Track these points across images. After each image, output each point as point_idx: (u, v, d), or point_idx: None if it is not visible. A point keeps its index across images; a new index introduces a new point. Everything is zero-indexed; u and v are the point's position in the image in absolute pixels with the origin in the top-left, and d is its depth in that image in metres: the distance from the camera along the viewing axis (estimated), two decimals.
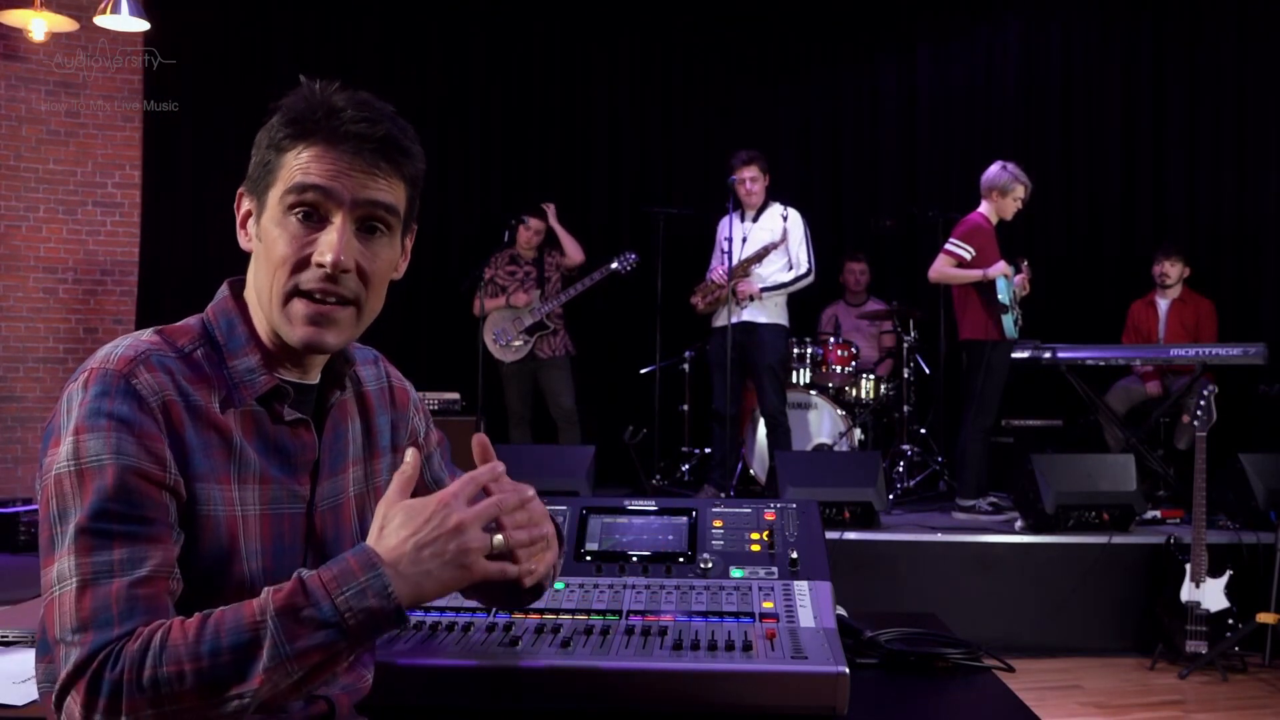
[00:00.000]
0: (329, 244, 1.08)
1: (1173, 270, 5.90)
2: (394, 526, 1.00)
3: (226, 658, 0.94)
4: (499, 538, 1.03)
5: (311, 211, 1.09)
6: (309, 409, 1.18)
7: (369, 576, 0.96)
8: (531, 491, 1.09)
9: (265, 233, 1.11)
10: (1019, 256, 5.13)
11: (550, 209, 6.04)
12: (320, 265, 1.08)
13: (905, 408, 5.96)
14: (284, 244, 1.09)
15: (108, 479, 0.99)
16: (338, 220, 1.09)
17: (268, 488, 1.11)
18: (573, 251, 5.98)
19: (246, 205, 1.15)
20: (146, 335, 1.10)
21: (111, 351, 1.06)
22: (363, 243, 1.11)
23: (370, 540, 1.01)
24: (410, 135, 1.14)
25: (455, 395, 6.20)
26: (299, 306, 1.10)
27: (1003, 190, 5.02)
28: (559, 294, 5.93)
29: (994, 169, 5.07)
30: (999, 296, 4.88)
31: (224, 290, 1.17)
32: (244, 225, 1.16)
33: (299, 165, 1.08)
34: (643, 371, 6.36)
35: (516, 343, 5.90)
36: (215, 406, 1.08)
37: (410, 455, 1.06)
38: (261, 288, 1.12)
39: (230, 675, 0.94)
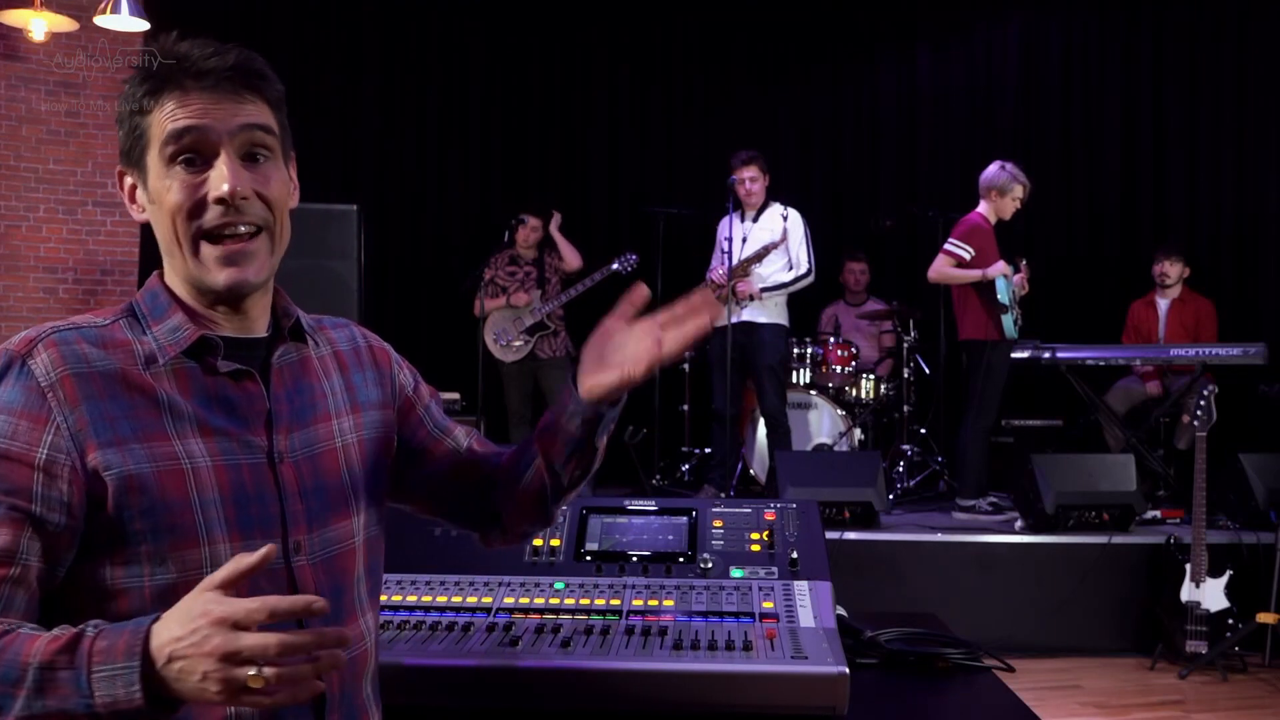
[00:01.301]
0: (220, 176, 1.09)
1: (1172, 270, 5.90)
2: (176, 618, 0.91)
3: None
4: (256, 671, 0.88)
5: (194, 156, 1.10)
6: (257, 362, 1.18)
7: (125, 665, 0.90)
8: (337, 635, 0.92)
9: (155, 192, 1.12)
10: (1018, 256, 5.13)
11: (556, 217, 6.03)
12: (220, 201, 1.09)
13: (905, 408, 5.96)
14: (175, 192, 1.10)
15: None
16: (222, 155, 1.10)
17: (211, 439, 1.11)
18: (570, 258, 5.98)
19: (129, 180, 1.17)
20: (49, 323, 1.12)
21: (20, 334, 1.09)
22: (251, 171, 1.12)
23: (164, 617, 0.93)
24: (261, 61, 1.16)
25: (455, 395, 6.20)
26: (209, 251, 1.11)
27: (1001, 190, 5.02)
28: (559, 294, 5.93)
29: (993, 169, 5.07)
30: (999, 296, 4.88)
31: (152, 275, 1.19)
32: (132, 199, 1.17)
33: (166, 116, 1.10)
34: None
35: (517, 343, 5.90)
36: (138, 367, 1.10)
37: (265, 550, 0.93)
38: (169, 245, 1.13)
39: None
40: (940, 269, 5.02)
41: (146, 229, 1.20)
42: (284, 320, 1.23)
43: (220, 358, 1.14)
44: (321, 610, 0.92)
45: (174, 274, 1.16)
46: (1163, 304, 5.97)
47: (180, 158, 1.10)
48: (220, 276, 1.11)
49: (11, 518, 1.01)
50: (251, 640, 0.88)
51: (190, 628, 0.89)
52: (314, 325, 1.28)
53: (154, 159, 1.11)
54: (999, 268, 4.90)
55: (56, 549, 1.03)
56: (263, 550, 0.93)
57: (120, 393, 1.08)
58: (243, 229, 1.11)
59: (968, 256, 4.93)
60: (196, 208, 1.10)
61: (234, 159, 1.11)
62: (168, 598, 1.03)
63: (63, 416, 1.04)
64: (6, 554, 1.01)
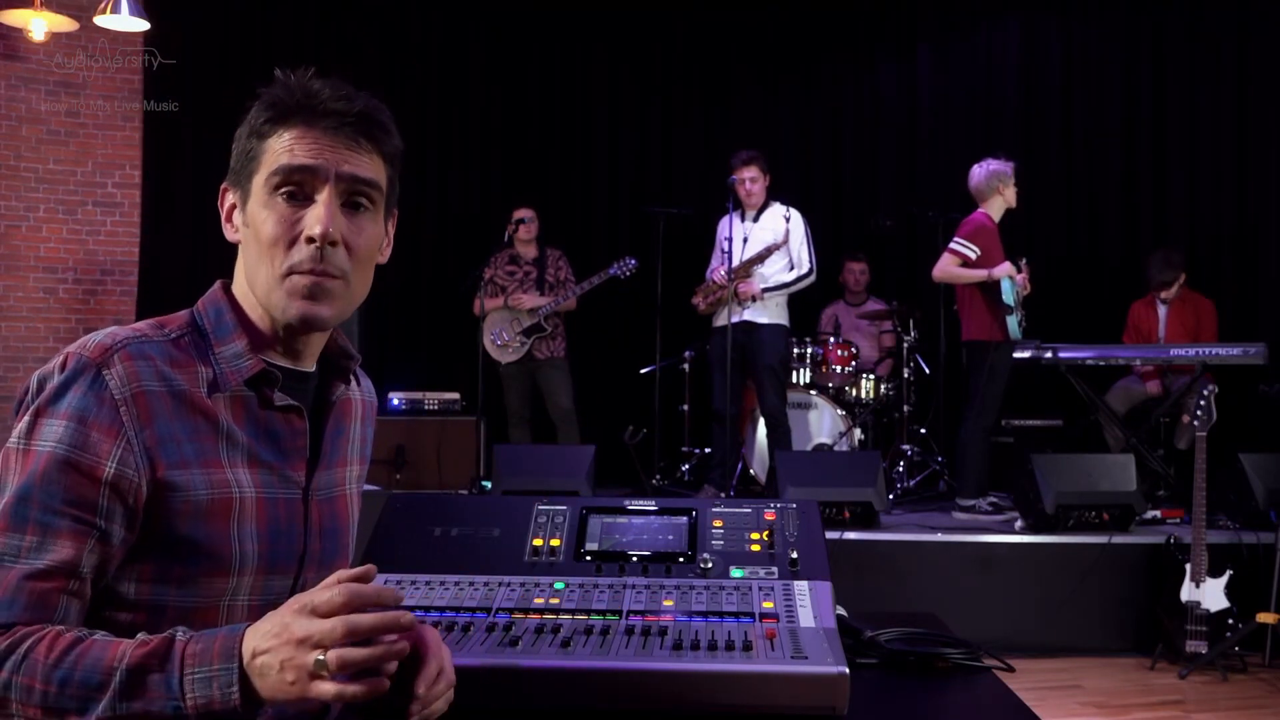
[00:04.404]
0: (316, 217, 1.10)
1: (1174, 287, 5.88)
2: (270, 619, 0.94)
3: (73, 691, 0.94)
4: (325, 656, 0.90)
5: (297, 190, 1.11)
6: (305, 398, 1.19)
7: (222, 667, 0.92)
8: (407, 618, 0.96)
9: (253, 217, 1.13)
10: (1019, 256, 5.13)
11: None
12: (310, 240, 1.10)
13: (905, 408, 5.96)
14: (272, 224, 1.11)
15: (41, 464, 1.01)
16: (323, 195, 1.10)
17: (257, 471, 1.12)
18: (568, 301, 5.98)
19: (231, 199, 1.17)
20: (136, 324, 1.12)
21: (91, 339, 1.08)
22: (348, 218, 1.13)
23: (254, 625, 0.95)
24: (387, 115, 1.16)
25: (455, 395, 6.21)
26: (295, 281, 1.11)
27: (1003, 183, 5.04)
28: (558, 299, 5.91)
29: (981, 172, 5.07)
30: (1004, 298, 4.87)
31: (215, 285, 1.19)
32: (229, 218, 1.18)
33: (282, 147, 1.11)
34: (643, 371, 6.36)
35: (514, 344, 5.90)
36: (202, 391, 1.10)
37: (366, 568, 0.98)
38: (254, 272, 1.13)
39: (71, 710, 0.94)
40: (945, 268, 5.01)
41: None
42: (344, 360, 1.24)
43: (277, 390, 1.15)
44: (394, 600, 0.94)
45: (247, 294, 1.16)
46: (1163, 305, 5.96)
47: (283, 190, 1.10)
48: (295, 308, 1.11)
49: (76, 530, 1.01)
50: (321, 623, 0.91)
51: (275, 620, 0.93)
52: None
53: (259, 184, 1.12)
54: (1004, 268, 4.89)
55: (110, 562, 1.04)
56: (364, 568, 0.97)
57: (186, 415, 1.08)
58: (322, 274, 1.11)
59: (973, 256, 4.93)
60: (290, 242, 1.10)
61: (334, 202, 1.11)
62: (186, 620, 1.05)
63: (134, 431, 1.04)
64: (69, 567, 1.00)
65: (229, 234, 1.18)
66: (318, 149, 1.10)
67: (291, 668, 0.90)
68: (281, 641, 0.91)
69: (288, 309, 1.11)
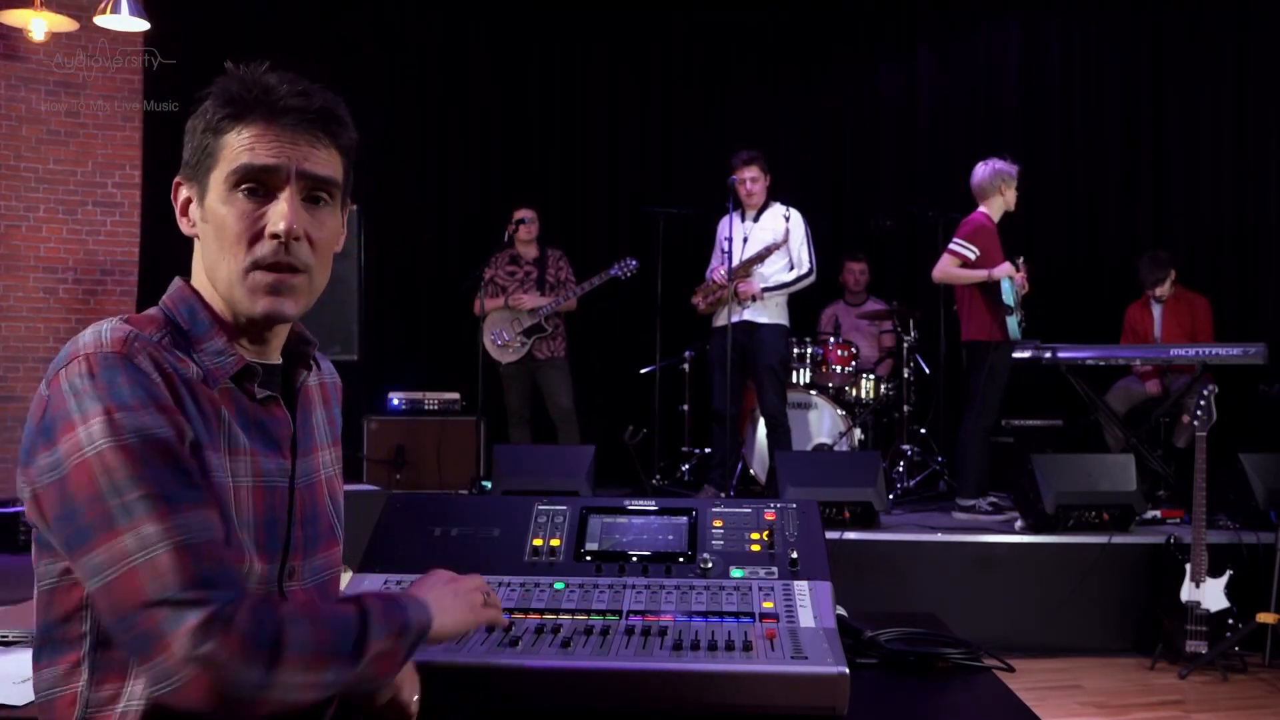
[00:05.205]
0: (280, 214, 1.10)
1: (1166, 286, 5.87)
2: (433, 581, 1.23)
3: (344, 635, 1.03)
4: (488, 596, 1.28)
5: (258, 187, 1.11)
6: (275, 388, 1.21)
7: (417, 604, 1.14)
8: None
9: (212, 214, 1.13)
10: (1017, 255, 5.13)
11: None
12: (274, 236, 1.10)
13: (905, 408, 5.96)
14: (234, 221, 1.11)
15: (157, 449, 1.00)
16: (285, 193, 1.11)
17: (255, 461, 1.13)
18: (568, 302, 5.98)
19: (185, 193, 1.17)
20: (114, 323, 1.09)
21: (99, 337, 1.05)
22: (309, 213, 1.14)
23: (411, 589, 1.21)
24: (344, 109, 1.17)
25: (455, 395, 6.21)
26: (259, 277, 1.12)
27: (1005, 183, 5.04)
28: (558, 299, 5.91)
29: (984, 170, 5.07)
30: (1003, 298, 4.87)
31: (177, 281, 1.19)
32: (184, 212, 1.18)
33: (241, 144, 1.11)
34: (643, 371, 6.36)
35: (514, 344, 5.90)
36: (203, 383, 1.11)
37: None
38: (216, 268, 1.14)
39: (346, 653, 1.03)
40: (945, 269, 5.01)
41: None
42: (303, 347, 1.26)
43: (257, 383, 1.16)
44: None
45: (207, 287, 1.16)
46: (1157, 305, 5.96)
47: (244, 186, 1.11)
48: (260, 304, 1.12)
49: (209, 497, 1.03)
50: (476, 578, 1.28)
51: (450, 576, 1.25)
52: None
53: (217, 179, 1.12)
54: (1004, 269, 4.89)
55: None
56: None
57: (200, 402, 1.09)
58: (286, 269, 1.12)
59: (973, 256, 4.93)
60: (253, 237, 1.11)
61: (296, 198, 1.12)
62: None
63: (180, 406, 1.05)
64: (227, 530, 1.05)
65: (184, 228, 1.18)
66: (278, 147, 1.11)
67: (466, 602, 1.22)
68: (453, 589, 1.22)
69: (253, 305, 1.12)
